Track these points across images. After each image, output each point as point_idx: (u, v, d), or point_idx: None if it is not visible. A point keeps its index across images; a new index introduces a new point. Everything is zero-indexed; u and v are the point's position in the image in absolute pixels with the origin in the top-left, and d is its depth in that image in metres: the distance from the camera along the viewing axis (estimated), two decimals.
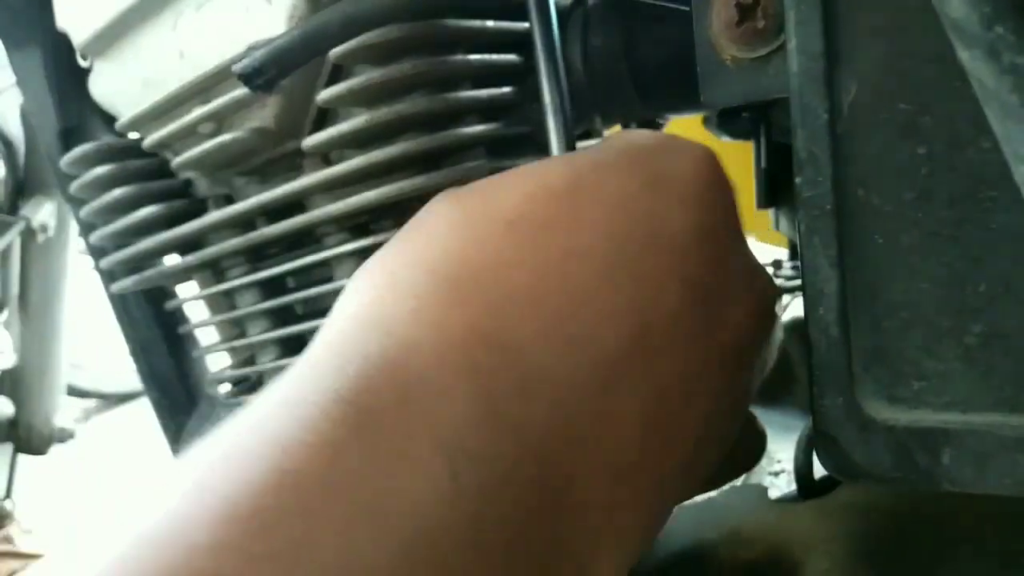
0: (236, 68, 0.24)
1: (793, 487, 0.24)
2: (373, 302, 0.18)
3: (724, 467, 0.22)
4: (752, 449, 0.23)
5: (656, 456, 0.18)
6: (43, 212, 1.01)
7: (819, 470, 0.22)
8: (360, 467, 0.14)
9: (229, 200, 0.39)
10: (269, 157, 0.36)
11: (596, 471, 0.17)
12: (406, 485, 0.14)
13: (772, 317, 0.22)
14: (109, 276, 0.46)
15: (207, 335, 0.46)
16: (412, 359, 0.16)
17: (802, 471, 0.24)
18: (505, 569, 0.15)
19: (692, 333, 0.19)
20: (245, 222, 0.37)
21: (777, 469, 0.34)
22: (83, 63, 0.39)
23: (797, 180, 0.20)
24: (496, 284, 0.18)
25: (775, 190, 0.28)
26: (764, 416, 0.23)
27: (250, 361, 0.40)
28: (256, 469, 0.14)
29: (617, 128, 0.39)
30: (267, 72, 0.24)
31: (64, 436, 1.19)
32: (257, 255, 0.38)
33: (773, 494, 0.25)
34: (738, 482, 0.24)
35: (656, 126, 0.37)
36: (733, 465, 0.23)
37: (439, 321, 0.17)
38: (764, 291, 0.22)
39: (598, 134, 0.39)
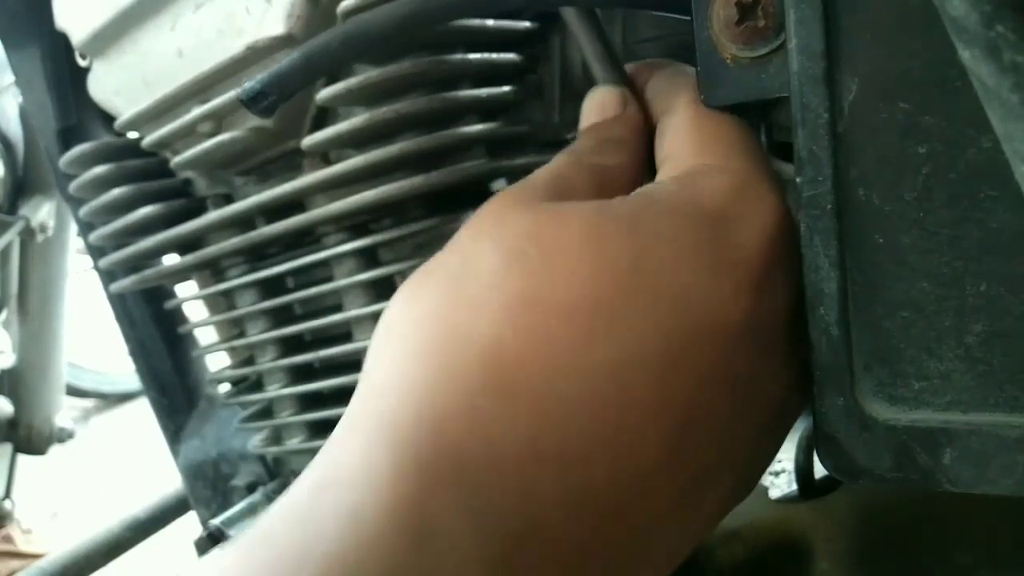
0: (238, 93, 0.25)
1: (794, 487, 0.24)
2: (425, 390, 0.17)
3: None
4: None
5: (688, 532, 0.19)
6: (42, 212, 1.01)
7: (819, 470, 0.22)
8: None
9: (228, 199, 0.39)
10: (268, 156, 0.36)
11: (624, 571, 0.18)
12: None
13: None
14: (108, 276, 0.46)
15: (206, 335, 0.46)
16: (468, 474, 0.16)
17: (802, 471, 0.23)
18: None
19: (733, 423, 0.19)
20: (244, 221, 0.37)
21: (777, 469, 0.34)
22: (82, 62, 0.39)
23: (798, 180, 0.20)
24: (553, 393, 0.17)
25: None
26: None
27: (249, 361, 0.40)
28: None
29: None
30: (269, 96, 0.24)
31: (63, 436, 1.19)
32: (256, 255, 0.38)
33: (773, 494, 0.25)
34: None
35: None
36: None
37: (496, 434, 0.17)
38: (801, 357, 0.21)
39: None
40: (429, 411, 0.17)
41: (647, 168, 0.23)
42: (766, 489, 0.25)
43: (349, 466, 0.17)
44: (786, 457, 0.34)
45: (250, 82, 0.24)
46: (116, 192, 0.38)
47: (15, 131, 0.97)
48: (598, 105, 0.25)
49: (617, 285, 0.18)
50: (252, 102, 0.24)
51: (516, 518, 0.16)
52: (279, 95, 0.24)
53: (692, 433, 0.18)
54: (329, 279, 0.35)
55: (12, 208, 1.00)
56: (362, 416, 0.18)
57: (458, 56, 0.31)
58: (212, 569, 0.16)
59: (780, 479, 0.33)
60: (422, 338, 0.18)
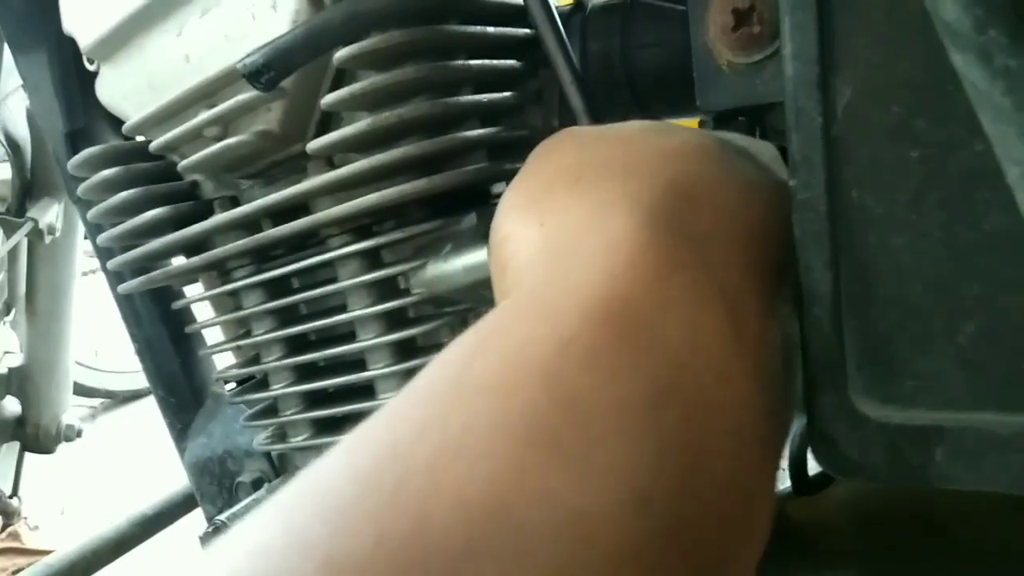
0: (240, 66, 0.24)
1: (787, 483, 0.25)
2: (635, 186, 0.19)
3: None
4: None
5: None
6: (50, 213, 1.02)
7: (813, 467, 0.22)
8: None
9: (235, 202, 0.39)
10: (274, 160, 0.36)
11: None
12: None
13: None
14: (116, 277, 0.47)
15: (213, 334, 0.47)
16: (687, 232, 0.19)
17: (796, 468, 0.24)
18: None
19: None
20: (250, 224, 0.37)
21: None
22: (89, 67, 0.40)
23: (792, 183, 0.20)
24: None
25: None
26: None
27: (255, 360, 0.41)
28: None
29: None
30: (270, 70, 0.24)
31: (71, 435, 1.19)
32: (262, 256, 0.39)
33: None
34: None
35: None
36: None
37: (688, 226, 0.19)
38: None
39: None
40: (641, 195, 0.19)
41: None
42: None
43: (590, 233, 0.18)
44: None
45: (251, 55, 0.24)
46: (124, 195, 0.38)
47: (23, 134, 0.98)
48: None
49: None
50: (253, 76, 0.24)
51: (732, 272, 0.19)
52: (280, 70, 0.24)
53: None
54: (333, 280, 0.36)
55: (20, 210, 1.00)
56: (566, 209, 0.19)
57: (460, 62, 0.31)
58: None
59: None
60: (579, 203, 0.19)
